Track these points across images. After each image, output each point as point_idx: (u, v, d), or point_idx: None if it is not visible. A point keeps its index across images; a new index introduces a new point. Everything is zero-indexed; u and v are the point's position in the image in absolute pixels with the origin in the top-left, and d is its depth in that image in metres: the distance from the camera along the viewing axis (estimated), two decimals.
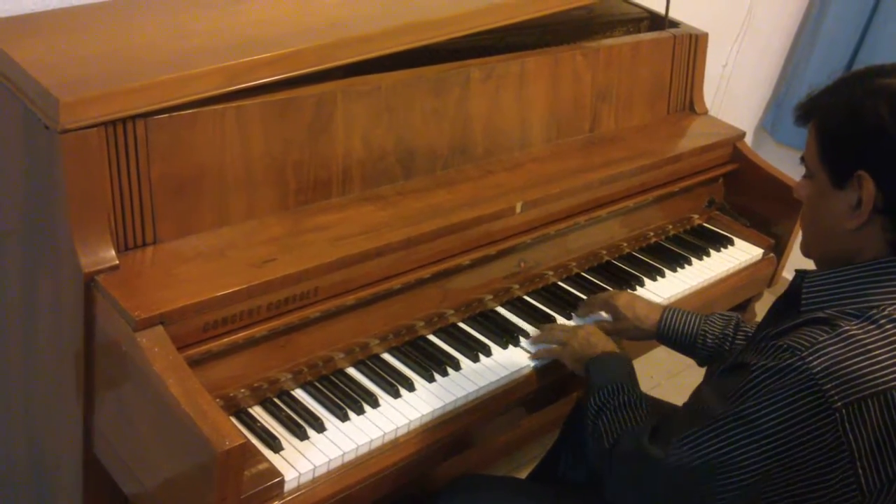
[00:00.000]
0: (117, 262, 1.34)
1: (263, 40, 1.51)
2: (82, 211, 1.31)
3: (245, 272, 1.39)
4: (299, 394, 1.51)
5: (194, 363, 1.32)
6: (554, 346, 1.68)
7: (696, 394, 1.44)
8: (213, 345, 1.37)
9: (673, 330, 1.72)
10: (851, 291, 1.23)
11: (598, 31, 2.15)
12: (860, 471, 1.18)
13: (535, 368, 1.68)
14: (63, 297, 1.40)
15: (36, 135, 1.33)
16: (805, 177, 1.32)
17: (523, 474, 2.14)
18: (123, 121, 1.33)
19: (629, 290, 1.85)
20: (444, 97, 1.74)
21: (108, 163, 1.33)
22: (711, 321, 1.72)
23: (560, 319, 1.80)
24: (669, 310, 1.74)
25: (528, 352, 1.70)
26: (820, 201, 1.28)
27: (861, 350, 1.15)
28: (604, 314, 1.81)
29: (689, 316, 1.73)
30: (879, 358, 1.15)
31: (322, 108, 1.56)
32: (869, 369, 1.15)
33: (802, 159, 1.31)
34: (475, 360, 1.65)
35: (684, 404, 1.45)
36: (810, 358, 1.15)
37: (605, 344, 1.62)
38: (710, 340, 1.70)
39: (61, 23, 1.53)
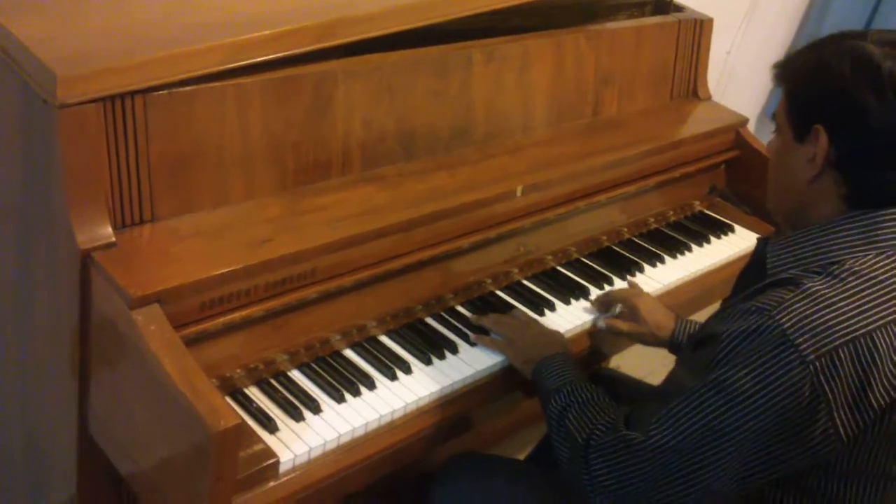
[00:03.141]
0: (114, 239, 1.33)
1: (264, 18, 1.50)
2: (79, 187, 1.30)
3: (243, 252, 1.38)
4: (295, 375, 1.50)
5: (190, 342, 1.31)
6: (499, 339, 1.65)
7: (668, 377, 1.43)
8: (210, 324, 1.36)
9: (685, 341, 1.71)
10: (812, 249, 1.28)
11: (601, 15, 2.13)
12: (838, 421, 1.20)
13: None
14: (59, 275, 1.39)
15: (33, 110, 1.32)
16: (774, 132, 1.37)
17: (522, 457, 2.14)
18: (122, 96, 1.32)
19: (649, 294, 1.82)
20: (446, 79, 1.72)
21: (105, 139, 1.32)
22: None
23: (559, 304, 1.80)
24: (682, 320, 1.74)
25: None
26: (783, 155, 1.34)
27: (826, 304, 1.20)
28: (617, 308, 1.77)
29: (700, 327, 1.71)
30: (844, 310, 1.20)
31: (322, 88, 1.55)
32: (836, 321, 1.19)
33: (773, 116, 1.36)
34: (473, 343, 1.65)
35: (656, 388, 1.43)
36: (779, 315, 1.19)
37: (553, 345, 1.60)
38: None
39: None
